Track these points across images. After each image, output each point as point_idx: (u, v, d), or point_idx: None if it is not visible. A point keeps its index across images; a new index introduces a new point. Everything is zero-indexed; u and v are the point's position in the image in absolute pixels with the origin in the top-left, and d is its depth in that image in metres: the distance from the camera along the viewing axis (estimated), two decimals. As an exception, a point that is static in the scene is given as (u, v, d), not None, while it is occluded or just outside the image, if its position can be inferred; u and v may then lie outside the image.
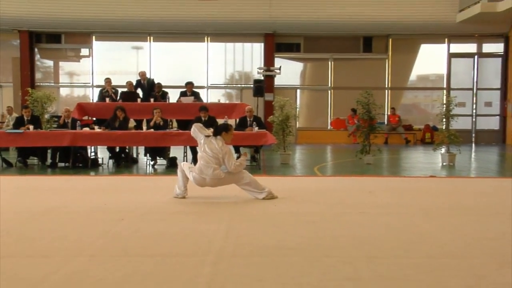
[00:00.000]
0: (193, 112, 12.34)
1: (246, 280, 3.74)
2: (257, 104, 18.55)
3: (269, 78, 20.67)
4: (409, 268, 4.05)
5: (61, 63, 22.47)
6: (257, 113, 15.88)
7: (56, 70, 22.42)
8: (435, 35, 21.32)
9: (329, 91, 21.96)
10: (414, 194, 7.84)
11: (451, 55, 21.68)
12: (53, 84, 22.00)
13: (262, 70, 20.61)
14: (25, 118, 12.04)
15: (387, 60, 21.71)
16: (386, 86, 21.82)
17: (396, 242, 4.86)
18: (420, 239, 4.99)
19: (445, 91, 21.15)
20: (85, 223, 5.65)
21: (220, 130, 7.23)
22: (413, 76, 22.48)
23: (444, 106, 12.70)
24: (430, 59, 22.20)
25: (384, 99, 21.36)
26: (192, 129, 7.36)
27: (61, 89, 22.19)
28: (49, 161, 12.07)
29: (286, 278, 3.79)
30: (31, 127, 11.68)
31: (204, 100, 15.78)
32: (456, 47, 21.68)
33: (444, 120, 12.71)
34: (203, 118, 11.96)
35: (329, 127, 21.96)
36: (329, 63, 21.80)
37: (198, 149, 7.36)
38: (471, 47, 21.91)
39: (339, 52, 21.73)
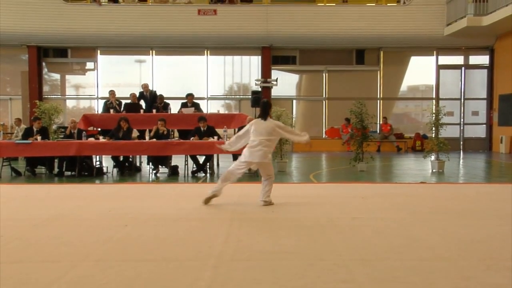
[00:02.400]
0: (194, 122, 12.35)
1: (245, 283, 3.73)
2: (255, 115, 18.55)
3: (266, 89, 20.72)
4: (401, 270, 4.05)
5: (67, 76, 22.48)
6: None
7: (62, 83, 22.44)
8: (424, 48, 21.39)
9: (324, 102, 22.00)
10: (405, 199, 7.84)
11: (440, 67, 21.74)
12: (60, 96, 22.02)
13: (260, 82, 20.67)
14: (35, 129, 12.03)
15: (379, 72, 21.77)
16: (378, 96, 21.86)
17: (388, 245, 4.86)
18: (411, 242, 4.99)
19: (434, 101, 21.17)
20: (91, 229, 5.64)
21: (267, 111, 7.29)
22: (403, 86, 22.53)
23: (434, 115, 12.73)
24: (420, 71, 22.27)
25: (376, 109, 21.38)
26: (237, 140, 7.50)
27: (67, 101, 22.20)
28: (56, 170, 12.05)
29: (283, 281, 3.79)
30: (39, 137, 11.68)
31: (204, 111, 15.80)
32: (444, 59, 21.75)
33: (433, 128, 12.73)
34: (202, 128, 11.97)
35: (324, 136, 21.97)
36: (324, 74, 21.86)
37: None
38: (458, 59, 21.98)
39: (333, 64, 21.78)
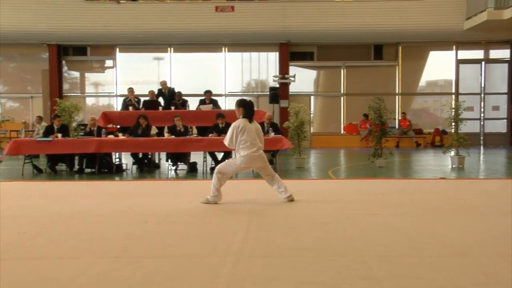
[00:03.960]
0: (212, 119, 12.38)
1: (263, 280, 3.73)
2: (273, 111, 18.57)
3: (284, 86, 20.70)
4: (421, 266, 4.02)
5: (87, 74, 22.69)
6: (273, 119, 15.88)
7: (82, 81, 22.65)
8: (443, 42, 21.18)
9: (342, 98, 21.91)
10: (425, 195, 7.77)
11: (459, 61, 21.52)
12: (79, 94, 22.23)
13: (278, 78, 20.65)
14: (55, 126, 12.16)
15: (397, 67, 21.62)
16: (397, 92, 21.71)
17: (407, 242, 4.82)
18: (431, 238, 4.94)
19: (453, 96, 20.98)
20: (111, 225, 5.68)
21: (251, 115, 7.08)
22: (422, 82, 22.36)
23: (453, 110, 12.60)
24: (439, 66, 22.07)
25: (395, 105, 21.25)
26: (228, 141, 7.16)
27: (87, 98, 22.41)
28: (76, 167, 12.17)
29: (301, 278, 3.78)
30: (59, 135, 11.80)
31: (222, 108, 15.82)
32: (464, 54, 21.53)
33: (453, 124, 12.61)
34: (220, 125, 11.98)
35: (342, 132, 21.90)
36: (342, 70, 21.76)
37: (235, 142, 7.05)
38: (478, 54, 21.75)
39: (351, 60, 21.69)
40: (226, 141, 7.12)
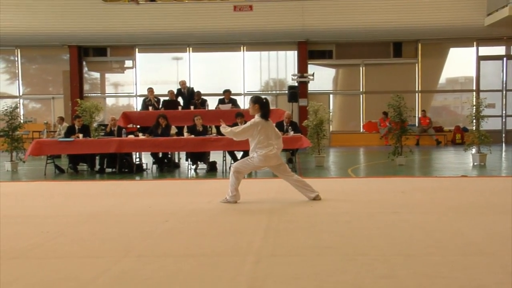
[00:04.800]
0: (232, 118, 12.36)
1: (285, 279, 3.72)
2: (291, 109, 18.56)
3: (303, 84, 20.66)
4: (444, 265, 3.98)
5: (107, 75, 22.89)
6: (292, 118, 15.85)
7: (102, 82, 22.86)
8: (463, 39, 20.94)
9: (361, 96, 21.80)
10: (446, 193, 7.70)
11: (480, 58, 21.27)
12: (99, 94, 22.44)
13: (296, 77, 20.62)
14: (77, 127, 12.28)
15: (417, 64, 21.44)
16: (417, 89, 21.54)
17: (429, 240, 4.78)
18: (453, 237, 4.89)
19: (474, 93, 20.74)
20: (132, 225, 5.72)
21: (267, 113, 7.02)
22: (442, 79, 22.15)
23: (474, 107, 12.46)
24: (459, 62, 21.83)
25: (414, 102, 21.08)
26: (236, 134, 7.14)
27: (107, 99, 22.61)
28: (97, 167, 12.28)
29: (323, 276, 3.76)
30: (80, 135, 11.92)
31: (241, 107, 15.84)
32: (485, 50, 21.27)
33: (474, 121, 12.47)
34: (239, 124, 11.98)
35: (361, 130, 21.79)
36: (361, 68, 21.65)
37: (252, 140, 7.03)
38: (499, 50, 21.46)
39: (370, 58, 21.57)
40: (239, 133, 7.03)
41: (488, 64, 21.52)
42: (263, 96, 7.26)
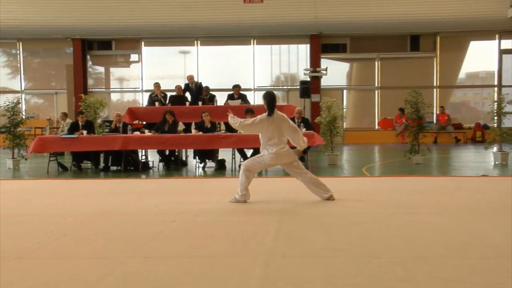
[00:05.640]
0: (241, 114, 12.35)
1: (297, 281, 3.73)
2: (303, 105, 18.54)
3: (316, 79, 20.62)
4: (462, 269, 3.97)
5: (111, 69, 22.96)
6: (304, 114, 15.83)
7: (107, 76, 22.93)
8: (485, 32, 20.80)
9: (376, 91, 21.73)
10: (465, 193, 7.67)
11: (502, 52, 21.11)
12: (104, 89, 22.52)
13: (308, 71, 20.59)
14: (80, 123, 12.34)
15: (435, 59, 21.33)
16: (435, 84, 21.44)
17: (448, 242, 4.77)
18: (472, 239, 4.88)
19: (496, 88, 20.60)
20: (138, 224, 5.75)
21: (274, 105, 7.06)
22: (462, 74, 22.01)
23: (495, 103, 12.39)
24: (480, 56, 21.67)
25: (432, 98, 20.98)
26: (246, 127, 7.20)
27: (112, 94, 22.69)
28: (101, 164, 12.34)
29: (337, 279, 3.77)
30: (84, 132, 11.98)
31: (251, 103, 15.85)
32: (508, 43, 21.09)
33: (495, 118, 12.40)
34: (250, 121, 12.00)
35: (376, 127, 21.72)
36: (376, 62, 21.57)
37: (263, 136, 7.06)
38: (523, 43, 21.29)
39: (386, 52, 21.48)
40: (247, 126, 7.09)
41: (510, 58, 21.36)
42: (270, 91, 7.29)
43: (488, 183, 8.95)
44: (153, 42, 22.06)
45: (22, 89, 22.39)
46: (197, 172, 11.86)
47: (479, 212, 6.17)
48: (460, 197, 7.32)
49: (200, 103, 13.83)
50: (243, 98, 14.30)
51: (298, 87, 20.38)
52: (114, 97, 22.99)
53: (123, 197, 7.82)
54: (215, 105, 13.99)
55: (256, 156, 7.34)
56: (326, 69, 20.55)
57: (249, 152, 12.12)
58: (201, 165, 12.28)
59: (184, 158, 13.26)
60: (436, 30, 20.80)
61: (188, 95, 14.96)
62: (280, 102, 21.24)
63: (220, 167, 12.07)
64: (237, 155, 12.04)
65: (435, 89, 21.45)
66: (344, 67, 22.31)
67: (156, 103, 14.04)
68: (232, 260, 4.31)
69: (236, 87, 14.45)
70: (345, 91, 21.99)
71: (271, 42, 21.80)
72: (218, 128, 12.81)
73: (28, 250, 4.69)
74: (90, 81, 22.42)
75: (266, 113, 6.99)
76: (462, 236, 5.00)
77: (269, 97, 7.04)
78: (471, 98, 22.85)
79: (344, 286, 3.63)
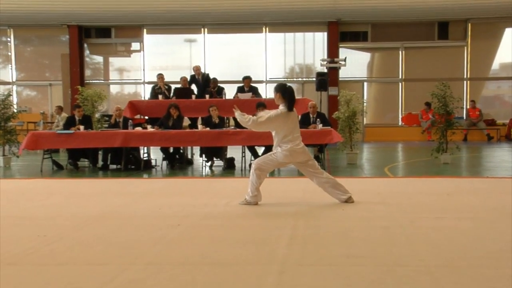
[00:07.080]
0: (252, 109, 12.36)
1: (313, 291, 3.74)
2: (320, 99, 18.53)
3: (333, 71, 20.60)
4: (496, 279, 3.95)
5: (111, 59, 23.06)
6: (320, 109, 15.85)
7: (106, 66, 23.04)
8: (521, 18, 20.69)
9: (400, 84, 21.67)
10: (498, 196, 7.63)
11: (540, 40, 20.98)
12: (103, 81, 22.63)
13: (326, 62, 20.56)
14: (77, 118, 12.38)
15: (465, 48, 21.24)
16: (465, 76, 21.35)
17: (479, 250, 4.75)
18: (507, 247, 4.85)
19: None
20: (140, 228, 5.77)
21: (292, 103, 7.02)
22: (495, 64, 21.93)
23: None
24: (516, 45, 21.56)
25: (462, 91, 20.91)
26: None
27: (111, 86, 22.80)
28: (100, 163, 12.40)
29: (357, 289, 3.77)
30: (81, 127, 12.02)
31: (263, 96, 15.86)
32: (546, 31, 20.99)
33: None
34: (261, 116, 12.00)
35: (400, 123, 21.68)
36: (400, 52, 21.51)
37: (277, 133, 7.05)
38: None
39: (411, 40, 21.42)
40: (262, 123, 7.00)
41: (549, 47, 21.26)
42: (287, 84, 7.26)
43: (524, 185, 8.90)
44: (156, 29, 22.12)
45: (14, 80, 22.54)
46: (203, 171, 11.89)
47: (514, 217, 6.14)
48: (493, 200, 7.28)
49: (207, 96, 13.85)
50: (254, 91, 14.30)
51: (314, 79, 20.38)
52: (114, 89, 23.09)
53: (123, 198, 7.84)
54: (224, 98, 14.00)
55: (268, 154, 7.33)
56: (345, 60, 20.51)
57: (260, 150, 12.13)
58: (208, 164, 12.31)
59: (189, 156, 13.30)
60: (467, 16, 20.70)
61: (194, 87, 14.99)
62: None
63: (229, 166, 12.09)
64: (248, 153, 12.05)
65: (465, 82, 21.36)
66: (365, 57, 22.28)
67: (160, 96, 14.07)
68: (242, 267, 4.31)
69: (247, 79, 14.46)
70: (365, 83, 21.97)
71: (284, 30, 21.80)
72: (227, 124, 12.83)
73: (21, 255, 4.72)
74: (87, 72, 22.53)
75: (283, 108, 6.96)
76: (496, 243, 4.98)
77: (289, 92, 7.00)
78: (505, 92, 22.74)
79: (365, 297, 3.64)
